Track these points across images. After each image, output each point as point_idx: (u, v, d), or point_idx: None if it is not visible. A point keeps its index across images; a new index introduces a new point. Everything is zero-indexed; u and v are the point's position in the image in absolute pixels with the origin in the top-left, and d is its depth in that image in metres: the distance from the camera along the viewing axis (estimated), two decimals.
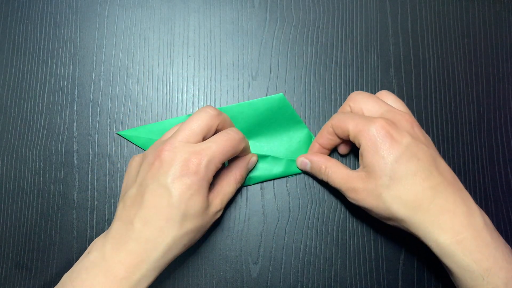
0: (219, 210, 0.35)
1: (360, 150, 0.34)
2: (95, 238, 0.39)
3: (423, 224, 0.31)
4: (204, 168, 0.32)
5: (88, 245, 0.39)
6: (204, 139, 0.34)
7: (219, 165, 0.33)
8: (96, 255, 0.31)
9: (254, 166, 0.40)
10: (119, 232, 0.32)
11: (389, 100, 0.37)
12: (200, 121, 0.33)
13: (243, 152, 0.37)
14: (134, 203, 0.32)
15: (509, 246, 0.32)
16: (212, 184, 0.34)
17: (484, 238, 0.30)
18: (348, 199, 0.35)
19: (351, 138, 0.35)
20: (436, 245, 0.31)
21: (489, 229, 0.31)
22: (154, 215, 0.31)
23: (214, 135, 0.34)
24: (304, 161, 0.39)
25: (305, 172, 0.40)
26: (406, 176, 0.31)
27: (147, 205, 0.31)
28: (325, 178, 0.37)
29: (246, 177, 0.39)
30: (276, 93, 0.42)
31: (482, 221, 0.31)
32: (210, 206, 0.34)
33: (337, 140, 0.38)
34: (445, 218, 0.31)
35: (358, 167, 0.36)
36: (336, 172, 0.36)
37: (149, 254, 0.31)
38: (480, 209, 0.32)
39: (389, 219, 0.33)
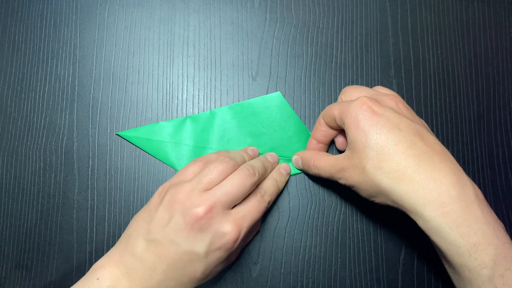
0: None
1: (345, 131, 0.34)
2: (95, 238, 0.39)
3: (408, 195, 0.30)
4: (240, 241, 0.33)
5: (88, 246, 0.39)
6: None
7: None
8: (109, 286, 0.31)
9: None
10: (140, 275, 0.31)
11: (382, 91, 0.37)
12: (242, 187, 0.33)
13: None
14: (161, 253, 0.32)
15: (501, 222, 0.30)
16: None
17: (473, 212, 0.28)
18: (339, 181, 0.35)
19: (338, 122, 0.35)
20: (421, 219, 0.29)
21: (480, 202, 0.29)
22: (180, 273, 0.32)
23: (248, 203, 0.34)
24: (296, 158, 0.40)
25: (304, 172, 0.40)
26: (387, 145, 0.30)
27: (175, 263, 0.31)
28: (315, 171, 0.37)
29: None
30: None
31: (473, 193, 0.29)
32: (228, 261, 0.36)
33: (331, 132, 0.38)
34: (431, 187, 0.29)
35: None
36: (324, 161, 0.36)
37: None
38: (472, 182, 0.30)
39: (377, 193, 0.32)
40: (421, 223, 0.30)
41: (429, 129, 0.34)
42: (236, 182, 0.33)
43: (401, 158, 0.30)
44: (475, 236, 0.28)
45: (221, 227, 0.32)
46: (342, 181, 0.34)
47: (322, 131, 0.38)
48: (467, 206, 0.28)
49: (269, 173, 0.38)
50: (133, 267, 0.32)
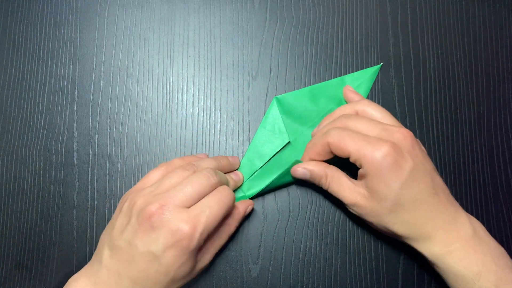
0: (208, 263, 0.35)
1: (361, 171, 0.34)
2: (95, 238, 0.39)
3: (420, 239, 0.34)
4: (197, 239, 0.31)
5: (88, 246, 0.39)
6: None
7: (212, 231, 0.33)
8: None
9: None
10: (107, 283, 0.32)
11: (375, 114, 0.36)
12: (198, 187, 0.33)
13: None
14: (123, 259, 0.32)
15: (502, 247, 0.33)
16: None
17: (473, 246, 0.33)
18: (349, 209, 0.36)
19: (352, 160, 0.34)
20: (430, 255, 0.34)
21: (478, 237, 0.33)
22: (143, 278, 0.32)
23: (207, 196, 0.33)
24: (302, 171, 0.37)
25: None
26: (408, 202, 0.33)
27: (136, 267, 0.31)
28: (325, 188, 0.37)
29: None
30: (276, 94, 0.42)
31: (470, 232, 0.33)
32: (199, 263, 0.34)
33: (332, 156, 0.36)
34: (439, 233, 0.33)
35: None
36: (338, 184, 0.36)
37: None
38: (470, 218, 0.34)
39: (387, 233, 0.36)
40: (429, 258, 0.34)
41: (433, 165, 0.35)
42: (193, 182, 0.33)
43: (418, 214, 0.33)
44: (476, 266, 0.32)
45: (173, 224, 0.31)
46: (353, 212, 0.36)
47: (324, 156, 0.36)
48: (467, 243, 0.33)
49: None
50: (101, 275, 0.32)
